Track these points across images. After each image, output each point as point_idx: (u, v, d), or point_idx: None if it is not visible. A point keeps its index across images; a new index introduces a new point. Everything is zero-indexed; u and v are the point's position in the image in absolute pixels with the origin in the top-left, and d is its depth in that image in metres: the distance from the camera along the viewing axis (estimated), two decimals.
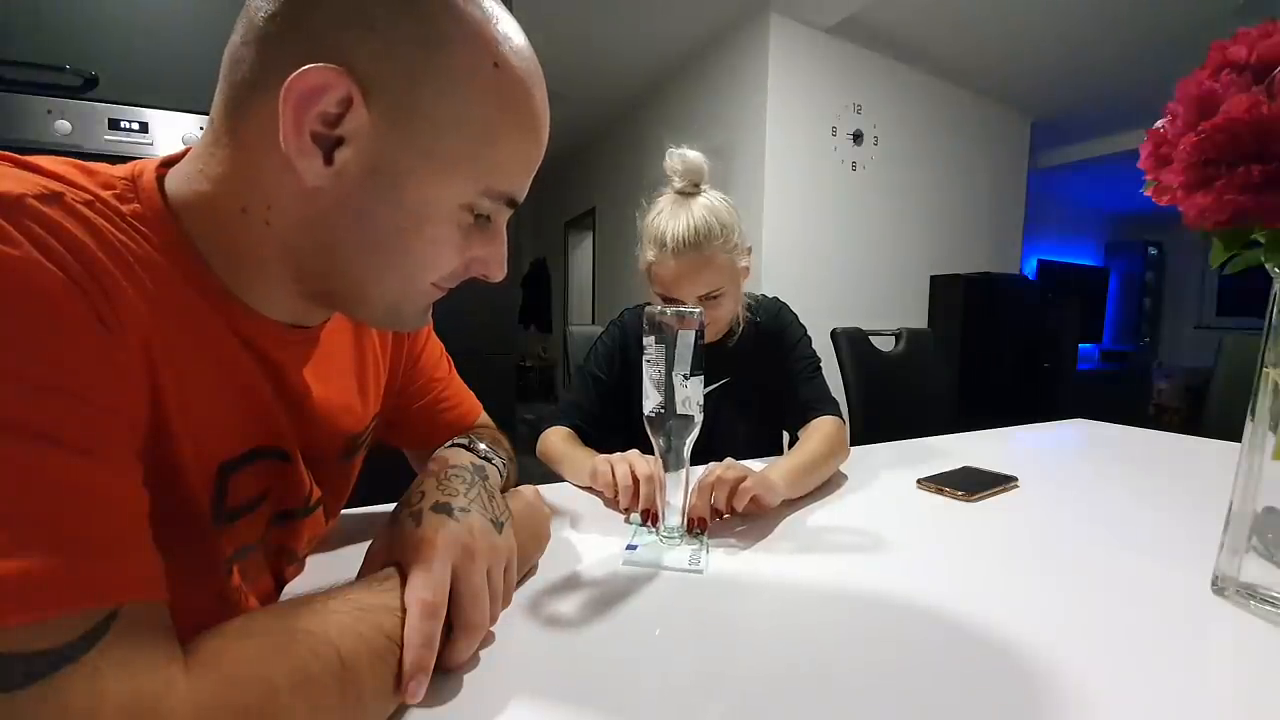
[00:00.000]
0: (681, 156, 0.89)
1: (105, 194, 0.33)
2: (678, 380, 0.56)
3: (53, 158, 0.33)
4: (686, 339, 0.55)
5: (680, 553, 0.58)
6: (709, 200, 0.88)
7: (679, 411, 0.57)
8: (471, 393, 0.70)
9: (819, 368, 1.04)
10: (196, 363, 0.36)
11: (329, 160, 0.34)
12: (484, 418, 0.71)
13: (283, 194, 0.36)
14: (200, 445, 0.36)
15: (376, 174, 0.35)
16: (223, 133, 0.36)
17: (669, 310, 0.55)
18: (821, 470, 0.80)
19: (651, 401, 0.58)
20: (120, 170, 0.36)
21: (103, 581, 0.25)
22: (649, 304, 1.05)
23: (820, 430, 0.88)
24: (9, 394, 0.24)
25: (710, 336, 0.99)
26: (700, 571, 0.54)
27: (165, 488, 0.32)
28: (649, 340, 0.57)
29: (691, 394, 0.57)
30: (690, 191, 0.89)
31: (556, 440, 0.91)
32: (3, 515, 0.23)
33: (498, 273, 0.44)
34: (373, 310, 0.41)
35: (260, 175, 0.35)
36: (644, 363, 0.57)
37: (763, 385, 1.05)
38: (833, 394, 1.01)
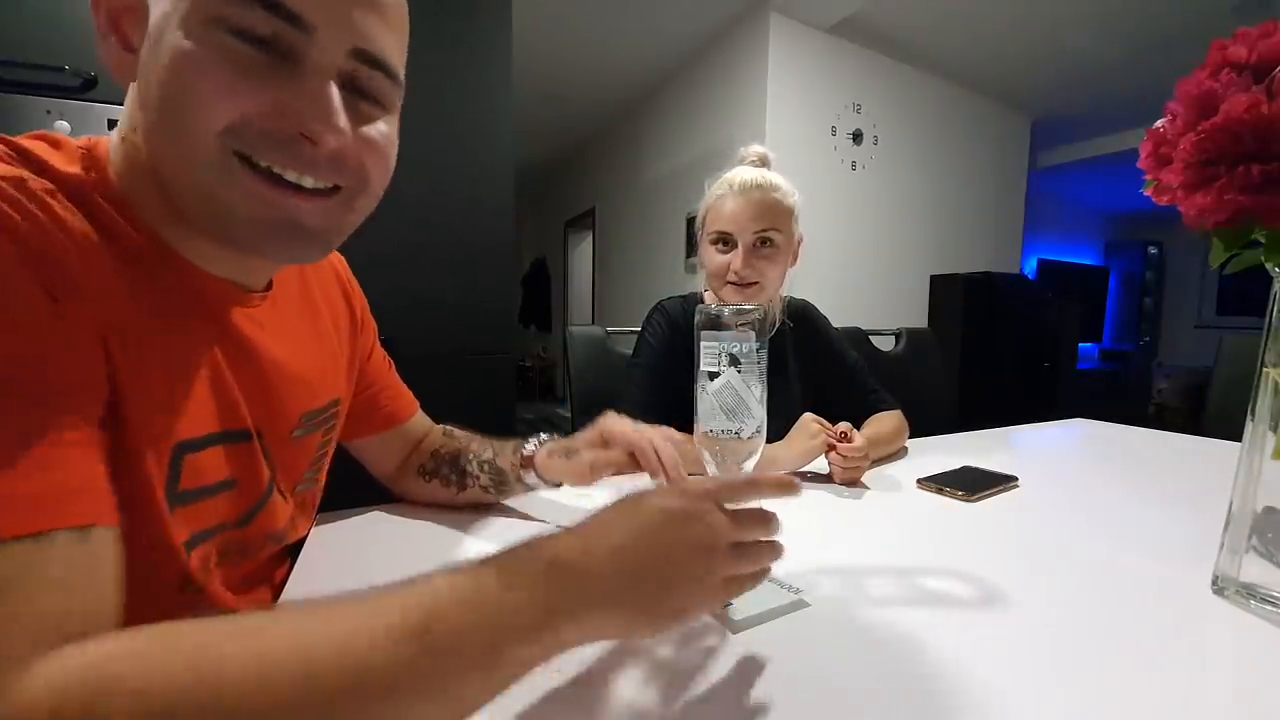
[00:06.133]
0: (753, 147, 1.02)
1: (69, 169, 0.34)
2: (755, 391, 0.46)
3: (26, 135, 0.35)
4: (751, 339, 0.45)
5: (770, 591, 0.49)
6: (778, 172, 1.00)
7: (750, 429, 0.46)
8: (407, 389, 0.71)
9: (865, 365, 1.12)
10: (153, 334, 0.36)
11: (130, 47, 0.35)
12: (423, 417, 0.72)
13: (131, 108, 0.36)
14: (157, 423, 0.36)
15: (150, 35, 0.34)
16: None
17: (727, 309, 0.45)
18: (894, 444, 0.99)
19: (714, 421, 0.46)
20: (81, 142, 0.37)
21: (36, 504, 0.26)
22: (687, 296, 1.07)
23: (892, 418, 1.02)
24: None
25: (754, 301, 1.00)
26: (808, 605, 0.48)
27: (118, 464, 0.33)
28: (710, 344, 0.45)
29: (757, 404, 0.46)
30: (760, 165, 1.00)
31: None
32: None
33: (319, 125, 0.35)
34: (193, 200, 0.36)
35: (128, 101, 0.37)
36: (702, 374, 0.46)
37: (794, 381, 1.07)
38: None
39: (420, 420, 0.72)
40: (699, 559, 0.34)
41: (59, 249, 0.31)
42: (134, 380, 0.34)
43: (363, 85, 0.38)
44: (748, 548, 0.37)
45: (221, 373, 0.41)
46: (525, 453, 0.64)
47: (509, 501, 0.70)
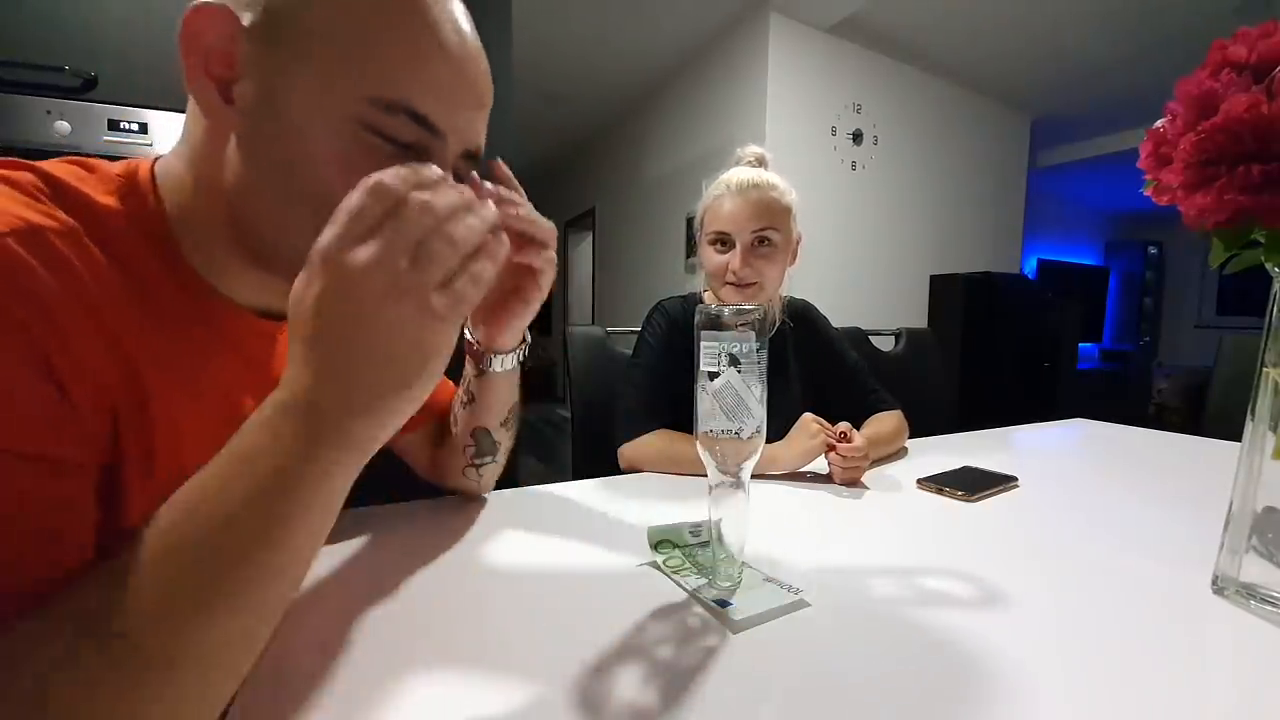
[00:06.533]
0: (750, 147, 1.03)
1: (102, 200, 0.34)
2: (755, 391, 0.46)
3: (58, 160, 0.34)
4: (751, 339, 0.45)
5: (770, 591, 0.49)
6: (777, 172, 1.01)
7: (751, 428, 0.46)
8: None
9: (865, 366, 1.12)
10: (172, 379, 0.36)
11: (229, 98, 0.35)
12: None
13: (212, 150, 0.36)
14: (165, 475, 0.36)
15: (269, 100, 0.35)
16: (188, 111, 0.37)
17: (727, 309, 0.45)
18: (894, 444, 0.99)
19: (714, 421, 0.45)
20: (118, 168, 0.37)
21: None
22: (689, 296, 1.07)
23: (892, 419, 1.02)
24: None
25: (754, 300, 1.00)
26: (809, 604, 0.47)
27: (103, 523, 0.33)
28: (711, 344, 0.45)
29: (758, 404, 0.46)
30: (757, 165, 1.01)
31: (667, 442, 0.90)
32: None
33: None
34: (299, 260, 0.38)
35: (198, 138, 0.37)
36: (702, 374, 0.46)
37: (794, 381, 1.07)
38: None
39: None
40: (381, 307, 0.28)
41: (48, 325, 0.29)
42: (139, 432, 0.34)
43: (458, 172, 0.42)
44: (441, 239, 0.30)
45: (247, 411, 0.41)
46: (469, 347, 0.61)
47: (519, 497, 0.70)
